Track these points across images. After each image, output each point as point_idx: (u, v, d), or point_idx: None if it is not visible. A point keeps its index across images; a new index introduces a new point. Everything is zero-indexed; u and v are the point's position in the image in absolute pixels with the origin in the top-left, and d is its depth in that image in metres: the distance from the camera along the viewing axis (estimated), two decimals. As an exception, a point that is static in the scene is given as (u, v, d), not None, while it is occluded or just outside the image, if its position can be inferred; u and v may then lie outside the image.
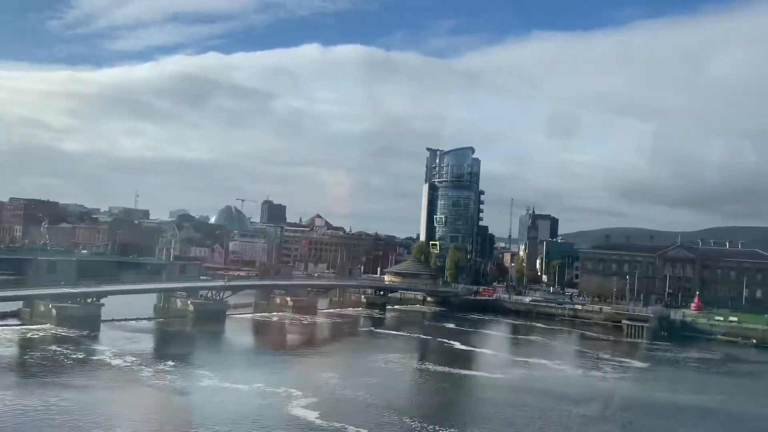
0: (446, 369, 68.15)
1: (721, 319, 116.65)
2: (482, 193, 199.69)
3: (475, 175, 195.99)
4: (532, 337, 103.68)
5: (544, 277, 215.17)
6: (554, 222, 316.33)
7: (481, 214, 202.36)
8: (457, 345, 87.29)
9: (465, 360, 76.45)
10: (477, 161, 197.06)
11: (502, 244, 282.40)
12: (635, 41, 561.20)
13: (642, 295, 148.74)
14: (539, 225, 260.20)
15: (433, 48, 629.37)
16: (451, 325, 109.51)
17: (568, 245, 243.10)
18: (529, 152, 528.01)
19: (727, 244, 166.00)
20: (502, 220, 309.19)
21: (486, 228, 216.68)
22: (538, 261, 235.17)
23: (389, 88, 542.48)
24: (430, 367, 70.29)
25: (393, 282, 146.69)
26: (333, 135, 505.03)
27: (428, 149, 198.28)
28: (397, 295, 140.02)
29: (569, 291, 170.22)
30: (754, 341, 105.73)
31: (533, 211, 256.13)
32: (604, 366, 78.19)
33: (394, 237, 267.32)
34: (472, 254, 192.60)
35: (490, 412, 52.03)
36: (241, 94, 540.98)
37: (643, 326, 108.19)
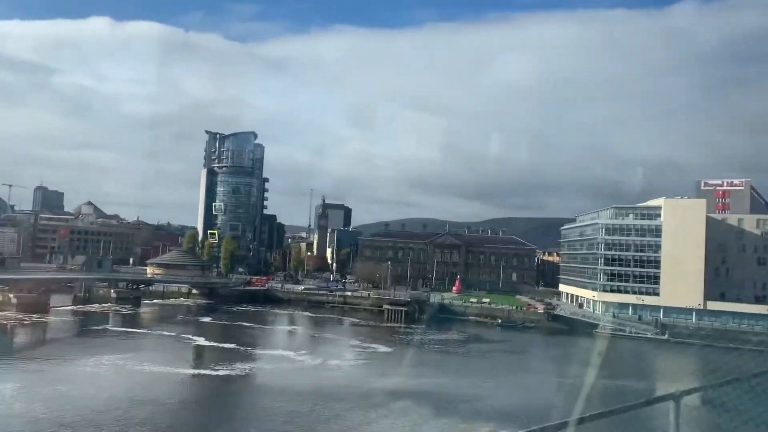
0: (166, 369, 61.01)
1: (475, 301, 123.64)
2: (267, 180, 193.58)
3: (258, 161, 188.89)
4: (291, 327, 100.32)
5: (335, 266, 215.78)
6: (348, 211, 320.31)
7: (266, 202, 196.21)
8: (200, 341, 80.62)
9: (195, 357, 69.99)
10: (260, 147, 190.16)
11: (304, 234, 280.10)
12: (430, 42, 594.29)
13: (411, 280, 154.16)
14: (330, 214, 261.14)
15: (236, 32, 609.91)
16: (207, 319, 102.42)
17: (359, 234, 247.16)
18: (331, 143, 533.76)
19: (489, 232, 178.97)
20: (302, 210, 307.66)
21: (274, 216, 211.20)
22: (329, 250, 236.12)
23: (188, 70, 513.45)
24: (149, 367, 62.26)
25: (156, 274, 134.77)
26: (125, 117, 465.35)
27: (207, 132, 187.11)
28: (161, 288, 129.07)
29: (351, 278, 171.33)
30: (500, 321, 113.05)
31: (323, 201, 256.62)
32: (348, 353, 76.61)
33: (186, 227, 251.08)
34: (254, 243, 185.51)
35: (184, 414, 46.24)
36: (16, 67, 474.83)
37: (402, 310, 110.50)
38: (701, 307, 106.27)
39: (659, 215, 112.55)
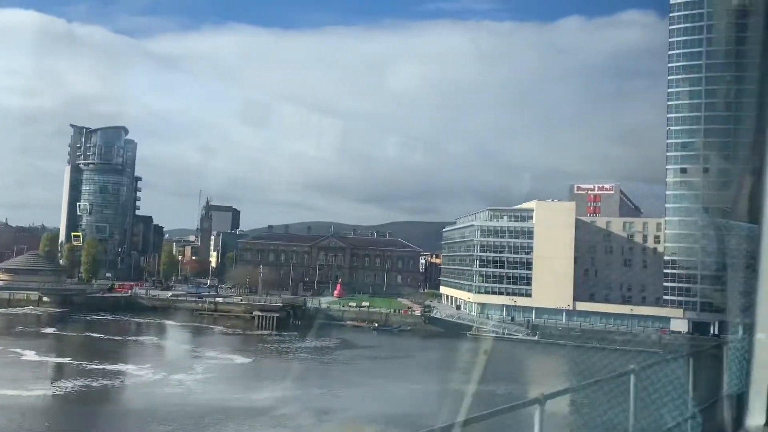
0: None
1: (354, 305, 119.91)
2: (139, 179, 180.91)
3: (130, 159, 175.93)
4: (146, 338, 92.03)
5: (215, 270, 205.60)
6: (236, 214, 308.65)
7: (139, 203, 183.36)
8: (29, 355, 71.11)
9: (12, 375, 60.66)
10: (132, 143, 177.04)
11: (192, 237, 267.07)
12: (327, 44, 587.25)
13: (294, 284, 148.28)
14: (216, 217, 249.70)
15: (123, 26, 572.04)
16: (51, 330, 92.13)
17: (246, 237, 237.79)
18: (225, 143, 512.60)
19: (375, 234, 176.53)
20: (192, 212, 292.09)
21: (150, 218, 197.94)
22: (214, 254, 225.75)
23: (70, 63, 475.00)
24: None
25: (0, 280, 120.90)
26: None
27: (72, 126, 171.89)
28: (7, 296, 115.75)
29: (229, 283, 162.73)
30: (377, 324, 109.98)
31: (207, 202, 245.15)
32: (199, 366, 70.17)
33: (60, 229, 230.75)
34: (124, 247, 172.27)
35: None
36: None
37: (273, 317, 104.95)
38: (570, 308, 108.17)
39: (532, 217, 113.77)
